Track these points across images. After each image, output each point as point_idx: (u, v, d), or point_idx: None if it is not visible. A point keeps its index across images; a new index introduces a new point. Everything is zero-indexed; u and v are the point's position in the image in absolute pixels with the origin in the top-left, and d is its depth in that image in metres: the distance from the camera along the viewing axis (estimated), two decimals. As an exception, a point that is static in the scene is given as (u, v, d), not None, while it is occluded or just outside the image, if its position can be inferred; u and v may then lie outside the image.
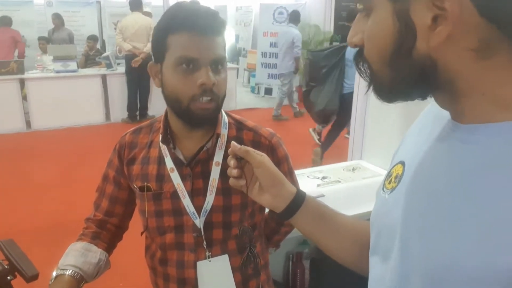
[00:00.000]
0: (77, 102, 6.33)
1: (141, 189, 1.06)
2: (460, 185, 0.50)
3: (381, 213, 0.65)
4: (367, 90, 0.59)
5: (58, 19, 7.69)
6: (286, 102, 7.10)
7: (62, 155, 5.17)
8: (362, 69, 0.58)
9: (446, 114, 0.57)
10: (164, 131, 1.04)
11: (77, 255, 1.04)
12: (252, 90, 9.04)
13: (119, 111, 6.51)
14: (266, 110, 7.68)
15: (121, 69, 6.58)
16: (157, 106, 6.71)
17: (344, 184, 2.13)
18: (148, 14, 6.50)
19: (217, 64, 0.96)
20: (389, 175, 0.67)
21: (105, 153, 4.43)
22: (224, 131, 1.06)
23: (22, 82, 6.00)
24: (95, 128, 6.36)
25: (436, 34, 0.48)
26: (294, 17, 6.64)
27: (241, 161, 0.80)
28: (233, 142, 0.80)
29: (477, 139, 0.50)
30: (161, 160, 1.05)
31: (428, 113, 0.67)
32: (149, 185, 1.05)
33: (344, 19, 8.84)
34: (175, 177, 1.03)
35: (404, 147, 0.69)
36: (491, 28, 0.46)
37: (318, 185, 2.11)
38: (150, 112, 6.68)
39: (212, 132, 1.04)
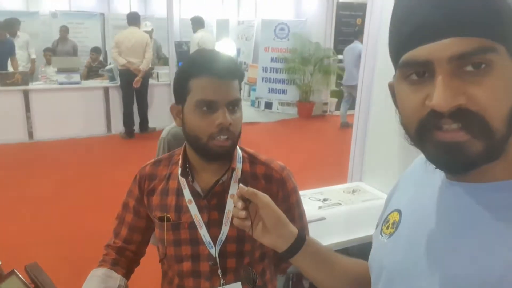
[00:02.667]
0: (79, 113, 6.42)
1: (161, 219, 1.13)
2: (457, 232, 0.59)
3: (380, 255, 0.73)
4: (448, 160, 0.55)
5: (65, 32, 7.86)
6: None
7: (64, 166, 5.22)
8: (469, 128, 0.52)
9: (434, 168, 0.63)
10: (184, 165, 1.12)
11: (99, 281, 1.11)
12: (252, 104, 9.15)
13: (120, 123, 6.58)
14: (266, 124, 7.77)
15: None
16: (158, 118, 6.80)
17: (344, 207, 2.20)
18: (149, 33, 6.58)
19: (233, 105, 1.04)
20: (386, 221, 0.75)
21: (106, 165, 4.51)
22: (238, 165, 1.13)
23: (26, 93, 6.07)
24: (97, 140, 6.43)
25: None
26: (360, 34, 7.14)
27: (247, 202, 0.85)
28: (241, 185, 0.85)
29: (488, 195, 0.58)
30: (179, 192, 1.13)
31: (418, 164, 0.75)
32: (168, 215, 1.12)
33: (344, 34, 9.03)
34: (193, 209, 1.10)
35: (398, 195, 0.77)
36: None
37: (319, 207, 2.19)
38: (151, 124, 6.74)
39: (227, 166, 1.11)
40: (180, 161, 1.13)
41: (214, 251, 1.10)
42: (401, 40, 0.56)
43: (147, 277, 1.63)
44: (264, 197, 0.84)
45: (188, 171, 1.12)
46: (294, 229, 0.86)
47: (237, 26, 10.66)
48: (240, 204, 0.83)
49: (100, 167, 5.23)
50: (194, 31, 6.46)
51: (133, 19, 6.26)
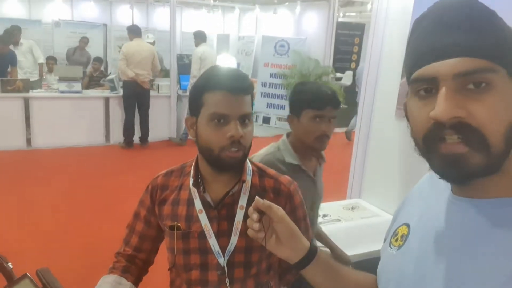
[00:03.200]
0: (79, 122, 6.43)
1: (171, 228, 1.16)
2: (463, 245, 0.63)
3: (389, 267, 0.77)
4: (451, 171, 0.60)
5: (85, 43, 8.08)
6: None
7: (61, 174, 5.23)
8: (466, 140, 0.58)
9: (443, 183, 0.68)
10: (195, 176, 1.16)
11: (109, 287, 1.13)
12: (250, 118, 9.19)
13: (119, 134, 6.60)
14: (263, 139, 7.81)
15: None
16: (158, 129, 6.85)
17: (344, 223, 2.24)
18: (151, 43, 6.69)
19: (244, 119, 1.09)
20: (395, 234, 0.79)
21: (104, 174, 4.55)
22: (248, 178, 1.17)
23: (26, 101, 6.09)
24: (95, 149, 6.44)
25: None
26: None
27: (261, 214, 0.87)
28: (257, 197, 0.88)
29: (490, 211, 0.62)
30: (190, 202, 1.16)
31: (426, 181, 0.79)
32: (179, 224, 1.15)
33: (342, 53, 9.17)
34: (203, 218, 1.13)
35: (406, 209, 0.82)
36: None
37: (319, 223, 2.22)
38: (150, 138, 6.73)
39: (237, 178, 1.15)
40: (192, 172, 1.17)
41: (222, 261, 1.13)
42: (414, 59, 0.63)
43: (154, 285, 1.65)
44: (279, 210, 0.87)
45: (199, 181, 1.15)
46: (306, 242, 0.89)
47: (237, 41, 10.80)
48: (255, 216, 0.86)
49: (98, 176, 5.23)
50: (197, 45, 6.53)
51: (137, 31, 6.35)
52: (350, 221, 2.28)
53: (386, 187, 2.47)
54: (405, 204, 0.83)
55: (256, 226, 0.86)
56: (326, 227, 2.16)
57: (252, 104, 1.20)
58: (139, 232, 1.25)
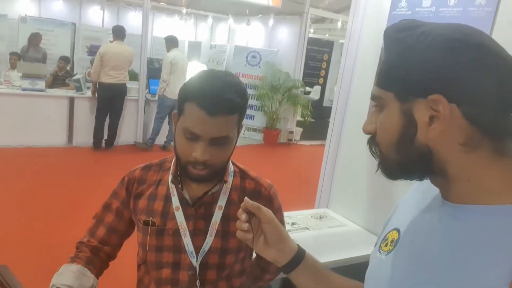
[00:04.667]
0: (40, 122, 6.17)
1: (146, 223, 1.12)
2: (446, 253, 0.63)
3: (377, 272, 0.77)
4: (377, 170, 0.72)
5: (37, 39, 7.68)
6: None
7: (20, 174, 5.00)
8: (374, 151, 0.71)
9: (434, 190, 0.70)
10: (175, 172, 1.12)
11: (73, 277, 1.07)
12: (219, 127, 9.14)
13: (83, 136, 6.39)
14: (231, 148, 7.78)
15: (90, 93, 6.50)
16: (126, 132, 6.71)
17: (312, 232, 2.25)
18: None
19: (217, 142, 1.00)
20: (384, 239, 0.79)
21: (63, 176, 4.41)
22: (229, 179, 1.15)
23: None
24: (56, 150, 6.19)
25: (432, 129, 0.62)
26: None
27: (250, 215, 0.86)
28: (246, 198, 0.87)
29: (461, 217, 0.64)
30: (167, 198, 1.13)
31: (418, 187, 0.80)
32: (154, 220, 1.12)
33: (311, 68, 9.35)
34: (179, 216, 1.10)
35: (397, 215, 0.82)
36: (474, 129, 0.60)
37: (288, 231, 2.21)
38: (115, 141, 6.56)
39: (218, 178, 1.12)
40: (172, 168, 1.14)
41: (195, 261, 1.10)
42: None
43: (121, 284, 1.58)
44: (268, 212, 0.87)
45: (178, 178, 1.12)
46: (294, 244, 0.89)
47: (209, 50, 10.78)
48: (243, 216, 0.85)
49: (60, 178, 5.05)
50: (168, 49, 6.47)
51: (120, 34, 6.19)
52: (318, 229, 2.29)
53: (353, 198, 2.51)
54: (397, 210, 0.84)
55: (245, 226, 0.86)
56: (294, 235, 2.16)
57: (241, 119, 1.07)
58: (108, 224, 1.20)
